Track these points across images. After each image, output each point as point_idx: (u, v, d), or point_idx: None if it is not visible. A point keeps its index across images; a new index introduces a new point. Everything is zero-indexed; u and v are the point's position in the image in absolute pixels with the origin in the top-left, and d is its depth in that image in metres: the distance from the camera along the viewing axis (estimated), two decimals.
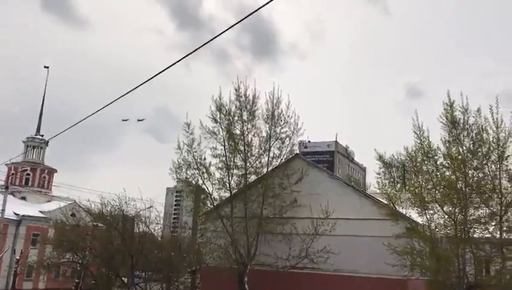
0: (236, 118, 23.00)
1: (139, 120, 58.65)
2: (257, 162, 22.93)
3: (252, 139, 22.96)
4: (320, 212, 22.01)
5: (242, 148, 22.72)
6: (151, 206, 33.32)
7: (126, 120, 52.67)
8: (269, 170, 22.90)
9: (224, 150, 22.85)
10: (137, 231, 31.99)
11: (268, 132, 22.95)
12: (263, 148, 22.92)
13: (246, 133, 22.85)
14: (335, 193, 23.44)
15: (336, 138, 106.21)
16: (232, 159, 22.84)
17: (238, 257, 22.14)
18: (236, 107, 23.09)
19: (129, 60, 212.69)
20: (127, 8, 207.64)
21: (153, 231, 33.44)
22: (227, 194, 23.08)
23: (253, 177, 23.16)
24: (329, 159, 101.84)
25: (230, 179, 22.77)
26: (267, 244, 22.43)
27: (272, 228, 22.55)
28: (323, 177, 24.49)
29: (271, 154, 22.89)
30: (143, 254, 31.02)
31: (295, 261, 21.87)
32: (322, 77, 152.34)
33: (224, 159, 22.84)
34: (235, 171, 22.85)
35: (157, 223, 34.72)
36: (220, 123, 23.11)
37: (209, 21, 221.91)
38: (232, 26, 8.87)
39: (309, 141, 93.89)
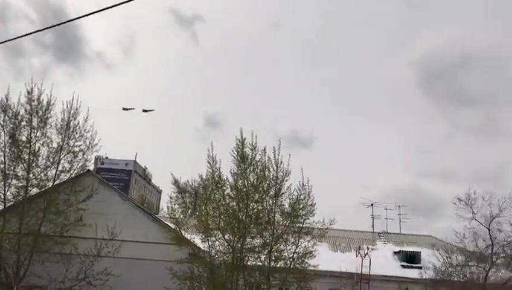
0: (24, 123, 20.92)
1: (145, 110, 44.33)
2: (42, 174, 21.06)
3: (39, 149, 21.07)
4: (106, 233, 21.22)
5: (26, 157, 20.64)
6: None
7: (129, 109, 41.00)
8: (55, 184, 21.23)
9: (4, 157, 20.47)
10: None
11: (61, 143, 21.40)
12: (51, 160, 21.18)
13: (34, 141, 20.90)
14: (124, 213, 23.02)
15: (136, 157, 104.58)
16: (12, 167, 20.54)
17: (4, 277, 19.71)
18: (26, 111, 21.05)
19: None
20: None
21: None
22: (1, 207, 20.53)
23: (35, 190, 21.15)
24: (125, 178, 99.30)
25: (6, 189, 20.39)
26: (41, 264, 20.48)
27: (50, 247, 20.75)
28: (114, 197, 23.84)
29: (60, 168, 21.28)
30: None
31: (71, 283, 20.48)
32: (128, 93, 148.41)
33: (2, 166, 20.39)
34: (14, 181, 20.58)
35: None
36: (2, 126, 20.70)
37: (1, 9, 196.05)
38: (38, 31, 8.18)
39: (106, 158, 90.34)
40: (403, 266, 26.76)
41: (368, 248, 25.26)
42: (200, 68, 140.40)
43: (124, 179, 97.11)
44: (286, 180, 19.77)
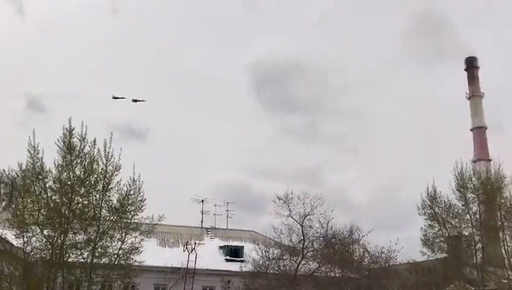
0: None
1: (135, 100, 37.23)
2: None
3: None
4: None
5: None
6: None
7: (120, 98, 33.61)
8: None
9: None
10: None
11: None
12: None
13: None
14: None
15: None
16: None
17: None
18: None
19: None
20: None
21: None
22: None
23: None
24: None
25: None
26: None
27: None
28: None
29: None
30: None
31: None
32: None
33: None
34: None
35: None
36: None
37: None
38: None
39: None
40: (227, 260, 28.31)
41: (195, 243, 26.00)
42: (25, 45, 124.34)
43: None
44: (116, 175, 19.21)
